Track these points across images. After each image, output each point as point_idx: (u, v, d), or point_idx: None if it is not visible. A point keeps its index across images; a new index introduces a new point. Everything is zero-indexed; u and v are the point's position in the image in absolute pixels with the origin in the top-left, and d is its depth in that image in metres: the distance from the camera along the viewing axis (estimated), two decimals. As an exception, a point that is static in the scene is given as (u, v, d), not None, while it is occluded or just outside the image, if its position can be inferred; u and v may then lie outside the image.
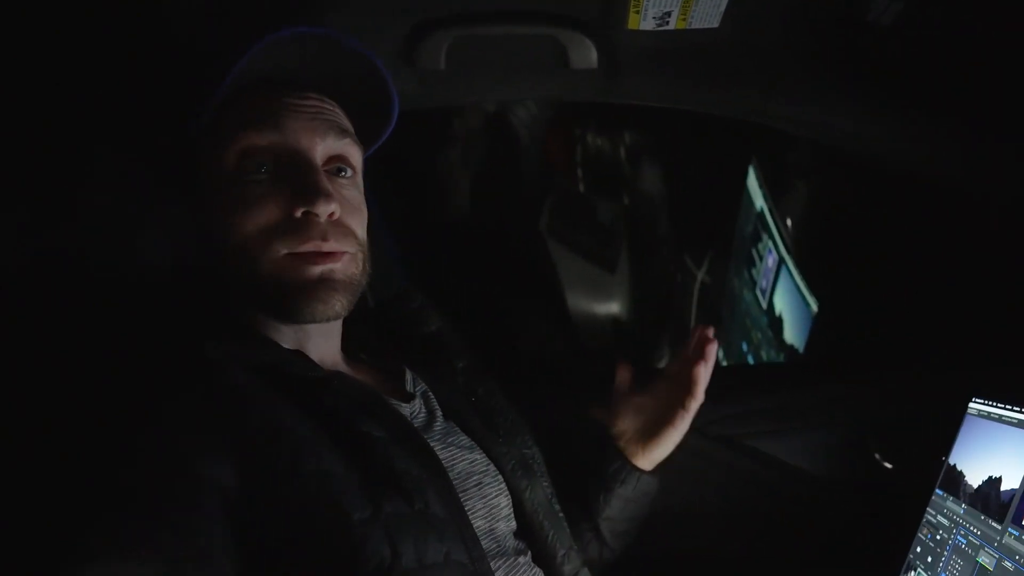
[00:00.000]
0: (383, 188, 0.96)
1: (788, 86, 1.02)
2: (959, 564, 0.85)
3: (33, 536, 0.52)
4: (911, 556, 0.94)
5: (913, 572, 0.93)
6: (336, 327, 0.82)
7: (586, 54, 0.98)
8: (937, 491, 0.94)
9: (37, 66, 0.77)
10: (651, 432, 0.95)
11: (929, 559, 0.91)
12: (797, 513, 1.13)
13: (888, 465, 1.09)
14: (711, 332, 0.96)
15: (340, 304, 0.74)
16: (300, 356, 0.74)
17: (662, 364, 2.32)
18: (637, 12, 0.90)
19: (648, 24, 0.92)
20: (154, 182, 0.80)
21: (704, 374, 0.94)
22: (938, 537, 0.91)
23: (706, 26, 0.91)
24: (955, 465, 0.93)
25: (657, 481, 0.97)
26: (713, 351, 0.94)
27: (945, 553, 0.89)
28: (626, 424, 0.97)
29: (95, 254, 0.76)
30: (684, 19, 0.91)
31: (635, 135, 2.59)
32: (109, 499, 0.54)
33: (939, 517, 0.92)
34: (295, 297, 0.72)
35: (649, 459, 0.96)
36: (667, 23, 0.91)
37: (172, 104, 0.78)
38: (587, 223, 2.51)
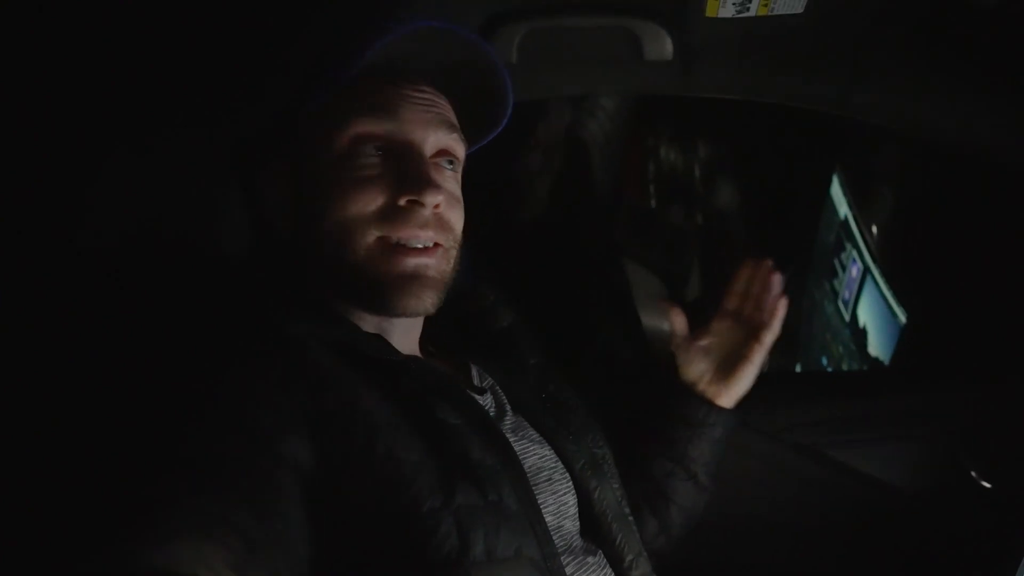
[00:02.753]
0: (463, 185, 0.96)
1: (877, 75, 0.97)
2: (1071, 594, 0.77)
3: (112, 512, 0.52)
4: (1015, 584, 0.86)
5: (1017, 602, 0.84)
6: (419, 321, 0.82)
7: (661, 45, 0.95)
8: (1046, 514, 0.86)
9: (128, 45, 0.81)
10: (726, 372, 0.93)
11: (1035, 588, 0.83)
12: (881, 531, 1.05)
13: (987, 484, 1.00)
14: (769, 263, 0.95)
15: (431, 300, 0.74)
16: (380, 339, 0.74)
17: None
18: (715, -2, 0.87)
19: (727, 11, 0.89)
20: (239, 163, 0.82)
21: (783, 308, 0.92)
22: (1046, 564, 0.83)
23: (790, 12, 0.88)
24: (1067, 486, 0.84)
25: (739, 416, 0.95)
26: (776, 280, 0.93)
27: (1055, 582, 0.80)
28: (698, 370, 0.95)
29: (180, 232, 0.79)
30: (766, 5, 0.87)
31: (710, 147, 2.53)
32: (189, 476, 0.54)
33: (1048, 543, 0.84)
34: (386, 289, 0.72)
35: (730, 398, 0.94)
36: (748, 9, 0.88)
37: (274, 89, 0.80)
38: (658, 238, 2.47)
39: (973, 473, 1.01)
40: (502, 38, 0.96)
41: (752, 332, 0.93)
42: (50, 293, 0.71)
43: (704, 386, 0.94)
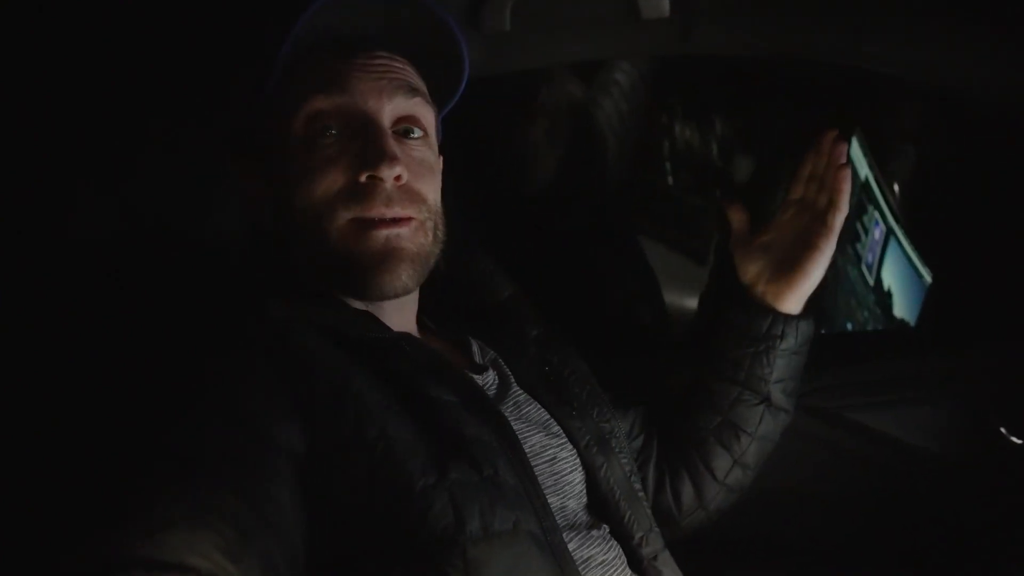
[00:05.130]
0: (461, 156, 0.95)
1: (887, 22, 0.93)
2: (1109, 549, 0.74)
3: (103, 504, 0.52)
4: (1049, 542, 0.83)
5: (1052, 560, 0.81)
6: (411, 298, 0.80)
7: (657, 2, 0.92)
8: (1079, 468, 0.82)
9: (107, 29, 0.81)
10: (790, 265, 0.85)
11: (1071, 545, 0.79)
12: (910, 494, 1.03)
13: (1017, 440, 0.97)
14: (835, 133, 0.87)
15: (407, 275, 0.72)
16: (369, 317, 0.73)
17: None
18: (710, -52, 0.84)
19: (723, -39, 0.86)
20: (228, 148, 0.81)
21: (846, 179, 0.83)
22: (1082, 520, 0.79)
23: (789, -42, 0.85)
24: (1101, 438, 0.81)
25: (813, 321, 0.87)
26: (844, 152, 0.85)
27: (1091, 537, 0.77)
28: (757, 267, 0.87)
29: (166, 217, 0.79)
30: (763, -48, 0.84)
31: (725, 121, 2.49)
32: (180, 466, 0.54)
33: (1082, 497, 0.80)
34: (361, 269, 0.71)
35: (797, 298, 0.86)
36: (744, -42, 0.85)
37: (242, 69, 0.79)
38: (676, 215, 2.45)
39: (1003, 430, 0.98)
40: (495, 6, 0.94)
41: (817, 216, 0.85)
42: (40, 286, 0.72)
43: (764, 287, 0.86)
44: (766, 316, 0.85)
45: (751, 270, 0.88)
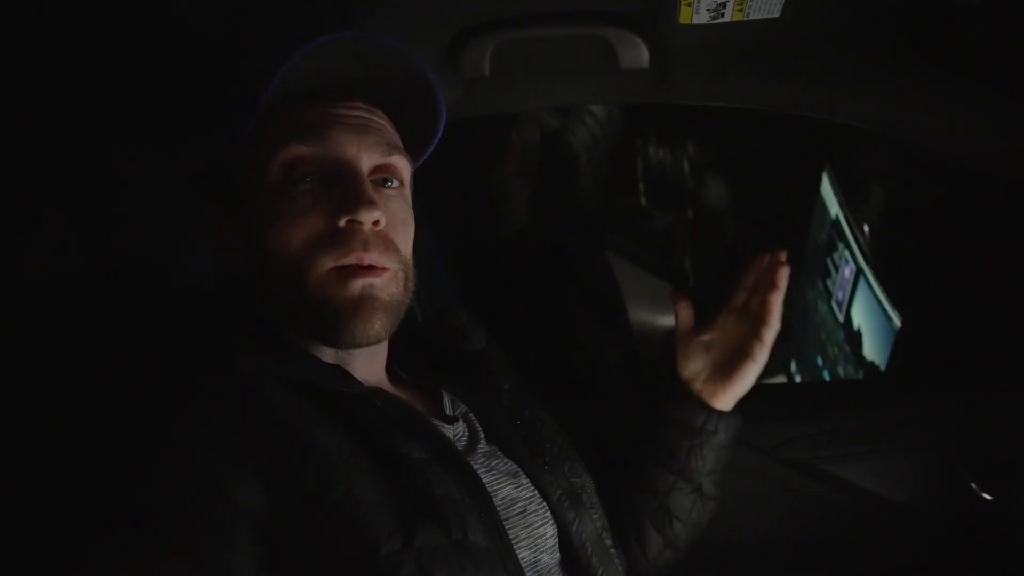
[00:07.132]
0: (435, 200, 0.93)
1: (857, 78, 0.94)
2: (1077, 613, 0.74)
3: (59, 570, 0.51)
4: (1018, 601, 0.83)
5: (1021, 620, 0.82)
6: (381, 348, 0.79)
7: (636, 53, 0.93)
8: (1047, 527, 0.83)
9: (85, 76, 0.78)
10: (727, 369, 0.88)
11: (1040, 605, 0.80)
12: (880, 548, 1.03)
13: (987, 496, 0.98)
14: (783, 256, 0.88)
15: (381, 324, 0.71)
16: (339, 371, 0.72)
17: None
18: (689, 5, 0.84)
19: (701, 18, 0.86)
20: (198, 193, 0.80)
21: (778, 301, 0.87)
22: (1050, 581, 0.80)
23: (765, 16, 0.85)
24: (1068, 498, 0.82)
25: (741, 417, 0.91)
26: (785, 276, 0.87)
27: (1059, 600, 0.78)
28: (697, 366, 0.90)
29: (134, 263, 0.76)
30: (741, 10, 0.85)
31: (699, 145, 2.53)
32: (135, 534, 0.53)
33: (1050, 557, 0.81)
34: (336, 316, 0.69)
35: (729, 399, 0.89)
36: (722, 15, 0.85)
37: (218, 114, 0.78)
38: (650, 236, 2.47)
39: (973, 485, 0.99)
40: (474, 51, 0.93)
41: (754, 328, 0.87)
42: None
43: (701, 385, 0.89)
44: (701, 412, 0.88)
45: (691, 367, 0.90)
